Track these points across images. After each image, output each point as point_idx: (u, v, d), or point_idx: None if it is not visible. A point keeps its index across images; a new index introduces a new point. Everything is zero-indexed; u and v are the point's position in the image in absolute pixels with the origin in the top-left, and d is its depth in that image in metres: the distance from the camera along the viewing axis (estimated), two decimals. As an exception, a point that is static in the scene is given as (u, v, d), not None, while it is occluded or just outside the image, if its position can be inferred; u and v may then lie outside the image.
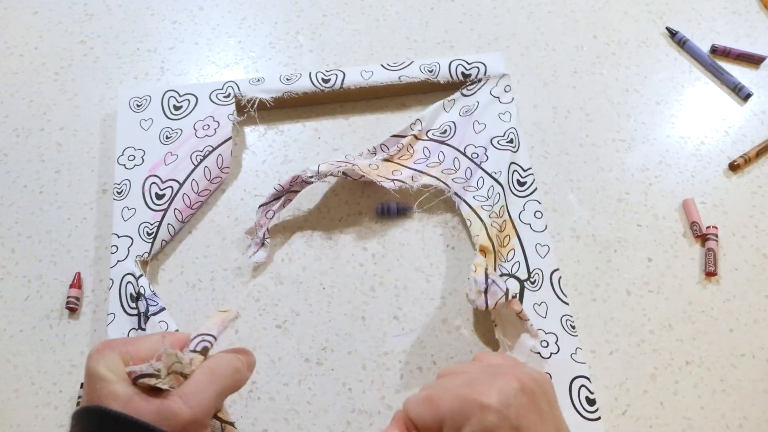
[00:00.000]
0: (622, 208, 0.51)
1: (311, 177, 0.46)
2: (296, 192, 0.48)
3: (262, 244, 0.47)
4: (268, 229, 0.47)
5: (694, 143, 0.55)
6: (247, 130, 0.54)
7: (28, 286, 0.47)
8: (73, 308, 0.46)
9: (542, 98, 0.56)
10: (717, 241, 0.49)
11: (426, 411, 0.33)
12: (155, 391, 0.30)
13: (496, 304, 0.41)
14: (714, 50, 0.59)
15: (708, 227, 0.50)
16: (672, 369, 0.45)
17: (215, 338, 0.33)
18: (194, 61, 0.58)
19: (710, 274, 0.48)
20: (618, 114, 0.56)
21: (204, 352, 0.33)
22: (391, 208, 0.49)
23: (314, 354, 0.45)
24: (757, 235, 0.50)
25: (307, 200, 0.50)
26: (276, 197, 0.48)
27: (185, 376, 0.31)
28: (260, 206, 0.48)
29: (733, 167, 0.53)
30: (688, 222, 0.51)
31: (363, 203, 0.51)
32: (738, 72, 0.58)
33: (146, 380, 0.30)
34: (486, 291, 0.42)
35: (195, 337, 0.33)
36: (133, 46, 0.58)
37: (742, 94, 0.57)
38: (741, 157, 0.53)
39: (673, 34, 0.60)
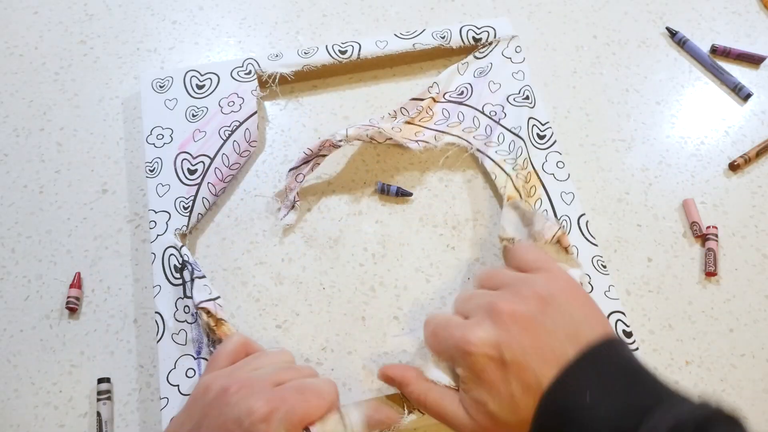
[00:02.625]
0: (622, 208, 0.51)
1: (340, 141, 0.48)
2: (324, 156, 0.50)
3: (293, 206, 0.49)
4: (297, 192, 0.49)
5: (694, 143, 0.55)
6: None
7: (28, 286, 0.47)
8: (73, 308, 0.46)
9: (542, 98, 0.56)
10: (717, 241, 0.49)
11: (433, 345, 0.37)
12: None
13: (552, 238, 0.43)
14: (714, 50, 0.59)
15: (708, 227, 0.50)
16: (672, 369, 0.45)
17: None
18: (194, 61, 0.58)
19: (710, 274, 0.48)
20: (618, 114, 0.56)
21: None
22: (391, 188, 0.50)
23: (314, 354, 0.45)
24: (757, 235, 0.50)
25: (306, 200, 0.50)
26: (305, 161, 0.49)
27: None
28: (290, 170, 0.49)
29: (733, 167, 0.53)
30: (688, 222, 0.51)
31: (363, 203, 0.51)
32: (738, 72, 0.58)
33: None
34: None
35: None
36: (133, 46, 0.58)
37: (742, 94, 0.57)
38: (741, 157, 0.53)
39: (673, 34, 0.60)
